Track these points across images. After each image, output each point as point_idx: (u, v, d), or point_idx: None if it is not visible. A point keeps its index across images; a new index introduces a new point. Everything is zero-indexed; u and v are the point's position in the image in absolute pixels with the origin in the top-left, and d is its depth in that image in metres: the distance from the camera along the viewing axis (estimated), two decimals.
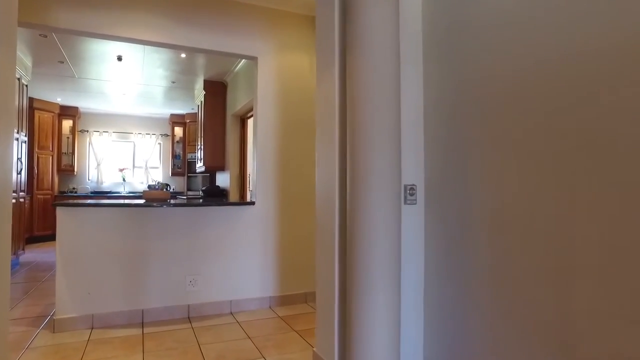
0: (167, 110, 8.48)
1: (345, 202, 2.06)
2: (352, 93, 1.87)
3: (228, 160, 5.94)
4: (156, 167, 9.01)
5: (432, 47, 2.06)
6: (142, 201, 3.34)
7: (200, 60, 5.23)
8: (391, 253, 1.76)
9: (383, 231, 1.74)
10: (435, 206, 2.02)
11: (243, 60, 5.13)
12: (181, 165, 8.81)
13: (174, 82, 6.23)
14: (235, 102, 5.60)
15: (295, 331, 2.95)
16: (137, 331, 2.89)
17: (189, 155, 8.46)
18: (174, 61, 5.23)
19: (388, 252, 1.75)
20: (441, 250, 1.97)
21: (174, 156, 8.82)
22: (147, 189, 3.31)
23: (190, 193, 8.26)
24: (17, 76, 4.93)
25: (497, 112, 1.68)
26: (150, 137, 8.91)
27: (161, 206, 2.95)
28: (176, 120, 8.76)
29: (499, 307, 1.64)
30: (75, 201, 3.04)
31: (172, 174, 8.79)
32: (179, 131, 8.85)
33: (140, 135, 8.83)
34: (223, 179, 6.24)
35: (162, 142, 9.04)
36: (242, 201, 3.52)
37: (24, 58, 5.07)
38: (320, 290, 2.31)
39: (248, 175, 5.78)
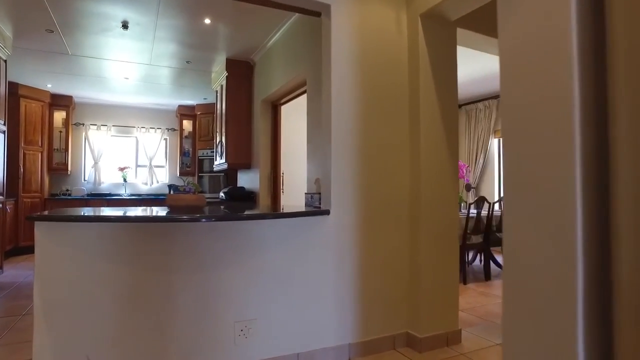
0: (174, 101, 7.40)
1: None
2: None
3: (256, 156, 4.86)
4: (162, 166, 7.92)
5: None
6: (155, 211, 2.27)
7: (226, 30, 4.15)
8: None
9: None
10: None
11: (281, 30, 4.07)
12: (191, 163, 7.71)
13: (188, 62, 5.15)
14: (267, 85, 4.53)
15: None
16: None
17: (200, 152, 7.37)
18: (193, 31, 4.15)
19: None
20: None
21: (183, 153, 7.72)
22: (173, 192, 2.24)
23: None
24: None
25: None
26: (155, 131, 7.80)
27: (199, 220, 1.88)
28: (185, 112, 7.67)
29: None
30: (64, 213, 1.96)
31: (180, 174, 7.69)
32: (187, 125, 7.76)
33: (144, 129, 7.73)
34: (247, 179, 5.16)
35: (168, 138, 7.95)
36: (312, 209, 2.45)
37: (0, 25, 3.97)
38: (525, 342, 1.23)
39: (281, 175, 4.71)
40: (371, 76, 2.62)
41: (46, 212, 1.96)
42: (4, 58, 4.15)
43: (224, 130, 5.03)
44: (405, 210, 2.69)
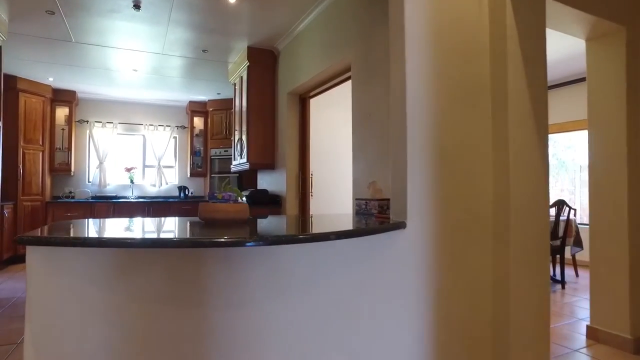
0: (185, 97, 6.89)
1: None
2: None
3: (280, 155, 4.35)
4: (171, 167, 7.41)
5: None
6: (185, 227, 1.76)
7: (251, 11, 3.63)
8: None
9: None
10: None
11: (315, 11, 3.54)
12: (202, 163, 7.20)
13: (205, 51, 4.63)
14: (295, 76, 4.01)
15: None
16: None
17: (212, 152, 6.86)
18: (214, 12, 3.64)
19: None
20: None
21: (193, 153, 7.21)
22: (209, 200, 1.73)
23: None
24: None
25: None
26: (164, 129, 7.30)
27: (259, 244, 1.35)
28: (196, 108, 7.16)
29: None
30: (64, 230, 1.44)
31: (191, 175, 7.18)
32: (199, 122, 7.25)
33: (152, 127, 7.22)
34: (270, 181, 4.64)
35: (177, 136, 7.44)
36: (384, 223, 1.94)
37: None
38: None
39: (310, 176, 4.20)
40: (447, 61, 2.10)
41: (41, 231, 1.44)
42: None
43: (244, 127, 4.52)
44: (488, 221, 2.17)
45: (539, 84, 2.21)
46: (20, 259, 5.63)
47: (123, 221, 1.92)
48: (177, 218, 2.19)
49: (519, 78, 2.14)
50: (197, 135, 7.25)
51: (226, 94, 6.52)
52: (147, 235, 1.43)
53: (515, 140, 2.11)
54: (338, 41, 3.19)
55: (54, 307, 1.35)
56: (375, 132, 2.71)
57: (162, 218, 2.14)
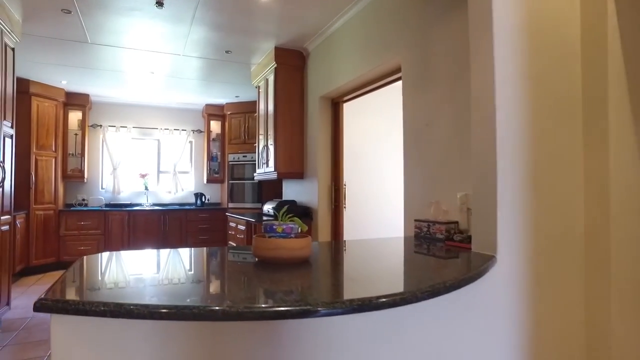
0: (201, 100, 6.60)
1: None
2: None
3: (311, 163, 4.03)
4: (186, 172, 7.13)
5: None
6: (237, 270, 1.45)
7: (284, 8, 3.32)
8: None
9: None
10: None
11: (354, 8, 3.22)
12: (219, 169, 6.92)
13: (228, 52, 4.33)
14: (328, 78, 3.69)
15: None
16: None
17: (230, 157, 6.57)
18: (243, 10, 3.33)
19: None
20: None
21: (210, 158, 6.93)
22: (266, 233, 1.42)
23: (234, 206, 6.38)
24: None
25: None
26: (180, 133, 7.02)
27: (340, 310, 1.03)
28: (213, 112, 6.87)
29: None
30: (103, 302, 1.14)
31: (208, 181, 6.90)
32: (215, 126, 6.96)
33: (167, 131, 6.95)
34: (298, 191, 4.33)
35: (193, 140, 7.16)
36: (456, 251, 1.62)
37: (6, 3, 3.19)
38: None
39: (343, 186, 3.88)
40: (535, 63, 1.77)
41: (62, 286, 1.14)
42: (12, 46, 3.38)
43: (270, 132, 4.21)
44: (579, 252, 1.84)
45: None
46: (32, 270, 5.38)
47: (153, 259, 1.62)
48: (224, 251, 1.88)
49: (621, 85, 1.80)
50: (213, 139, 6.96)
51: (245, 96, 6.23)
52: (210, 296, 1.12)
53: (619, 158, 1.77)
54: (384, 41, 2.87)
55: None
56: (435, 143, 2.38)
57: (204, 251, 1.83)
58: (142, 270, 1.38)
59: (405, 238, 2.33)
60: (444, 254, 1.81)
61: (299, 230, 1.48)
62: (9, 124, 3.37)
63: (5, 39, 3.22)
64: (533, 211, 1.71)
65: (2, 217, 3.22)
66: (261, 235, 1.48)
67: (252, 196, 6.31)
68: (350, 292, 1.19)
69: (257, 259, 1.46)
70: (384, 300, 1.02)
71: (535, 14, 1.77)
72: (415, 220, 2.31)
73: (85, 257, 1.51)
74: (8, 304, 3.40)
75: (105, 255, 1.60)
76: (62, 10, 3.32)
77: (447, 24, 2.28)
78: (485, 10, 1.69)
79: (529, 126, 1.73)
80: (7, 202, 3.35)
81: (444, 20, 2.31)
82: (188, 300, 0.97)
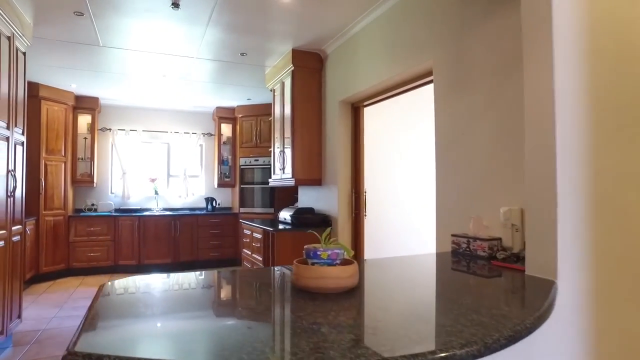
0: (212, 102, 6.48)
1: None
2: None
3: (330, 170, 3.89)
4: (196, 176, 7.01)
5: None
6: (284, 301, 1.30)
7: (302, 10, 3.18)
8: None
9: None
10: None
11: (380, 8, 3.08)
12: (230, 173, 6.79)
13: (243, 55, 4.20)
14: (349, 82, 3.55)
15: None
16: None
17: (241, 161, 6.44)
18: (261, 11, 3.19)
19: None
20: None
21: (221, 162, 6.80)
22: (309, 260, 1.28)
23: (245, 211, 6.25)
24: (8, 33, 2.94)
25: None
26: (190, 136, 6.90)
27: None
28: (224, 115, 6.75)
29: None
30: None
31: (219, 185, 6.77)
32: (226, 129, 6.83)
33: (177, 134, 6.83)
34: (314, 197, 4.19)
35: (203, 144, 7.04)
36: (501, 270, 1.47)
37: (17, 5, 3.08)
38: None
39: (364, 193, 3.73)
40: (597, 68, 1.61)
41: (82, 329, 1.00)
42: (23, 50, 3.26)
43: (287, 137, 4.07)
44: None
45: None
46: (41, 278, 5.28)
47: (179, 288, 1.48)
48: (259, 276, 1.74)
49: None
50: (224, 143, 6.83)
51: (257, 99, 6.10)
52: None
53: None
54: (414, 43, 2.72)
55: None
56: (472, 153, 2.23)
57: (236, 274, 1.70)
58: (172, 305, 1.24)
59: (442, 254, 2.18)
60: (494, 277, 1.66)
61: (344, 255, 1.33)
62: (20, 131, 3.26)
63: (17, 43, 3.11)
64: (598, 231, 1.56)
65: (13, 228, 3.10)
66: (302, 261, 1.34)
67: (264, 201, 6.18)
68: (417, 335, 1.04)
69: (296, 287, 1.32)
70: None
71: (596, 14, 1.62)
72: (453, 236, 2.16)
73: (105, 285, 1.38)
74: (19, 316, 3.29)
75: (123, 283, 1.45)
76: (74, 12, 3.20)
77: (489, 21, 2.13)
78: (543, 9, 1.54)
79: (592, 136, 1.57)
80: (18, 211, 3.23)
81: (485, 18, 2.16)
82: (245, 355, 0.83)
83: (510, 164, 2.01)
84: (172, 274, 1.61)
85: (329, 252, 1.30)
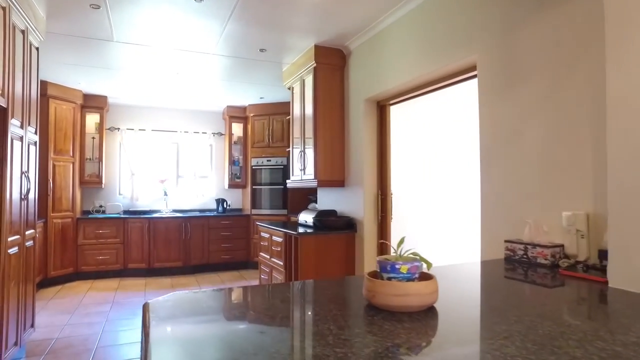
0: (222, 101, 6.32)
1: None
2: None
3: (354, 171, 3.74)
4: (206, 177, 6.85)
5: None
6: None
7: (328, 4, 3.02)
8: None
9: None
10: None
11: (409, 4, 2.92)
12: (241, 174, 6.63)
13: (262, 51, 4.04)
14: (376, 80, 3.39)
15: None
16: None
17: (252, 161, 6.29)
18: (287, 4, 3.04)
19: None
20: None
21: (232, 162, 6.64)
22: (384, 274, 1.13)
23: (257, 212, 6.09)
24: (22, 27, 2.78)
25: None
26: (200, 136, 6.74)
27: None
28: (234, 114, 6.59)
29: None
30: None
31: (230, 186, 6.62)
32: (237, 129, 6.68)
33: (187, 133, 6.68)
34: (336, 199, 4.04)
35: (213, 144, 6.88)
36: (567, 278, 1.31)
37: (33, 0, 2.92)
38: None
39: (390, 195, 3.58)
40: None
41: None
42: (36, 45, 3.10)
43: (308, 137, 3.92)
44: None
45: None
46: (50, 282, 5.12)
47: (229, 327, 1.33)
48: (327, 294, 1.58)
49: None
50: (235, 142, 6.68)
51: (270, 98, 5.94)
52: None
53: None
54: (454, 37, 2.56)
55: None
56: (525, 154, 2.08)
57: (295, 288, 1.54)
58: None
59: (493, 262, 2.02)
60: (571, 289, 1.50)
61: (422, 269, 1.18)
62: (33, 130, 3.10)
63: (30, 38, 2.95)
64: None
65: (27, 232, 2.95)
66: (375, 274, 1.19)
67: (277, 202, 6.03)
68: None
69: (372, 304, 1.16)
70: None
71: None
72: (507, 242, 2.01)
73: (150, 305, 1.22)
74: (32, 325, 3.13)
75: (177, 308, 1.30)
76: (90, 5, 3.05)
77: (545, 11, 1.98)
78: None
79: None
80: (31, 214, 3.08)
81: (540, 8, 2.01)
82: None
83: (573, 166, 1.86)
84: (225, 287, 1.45)
85: (409, 266, 1.14)
